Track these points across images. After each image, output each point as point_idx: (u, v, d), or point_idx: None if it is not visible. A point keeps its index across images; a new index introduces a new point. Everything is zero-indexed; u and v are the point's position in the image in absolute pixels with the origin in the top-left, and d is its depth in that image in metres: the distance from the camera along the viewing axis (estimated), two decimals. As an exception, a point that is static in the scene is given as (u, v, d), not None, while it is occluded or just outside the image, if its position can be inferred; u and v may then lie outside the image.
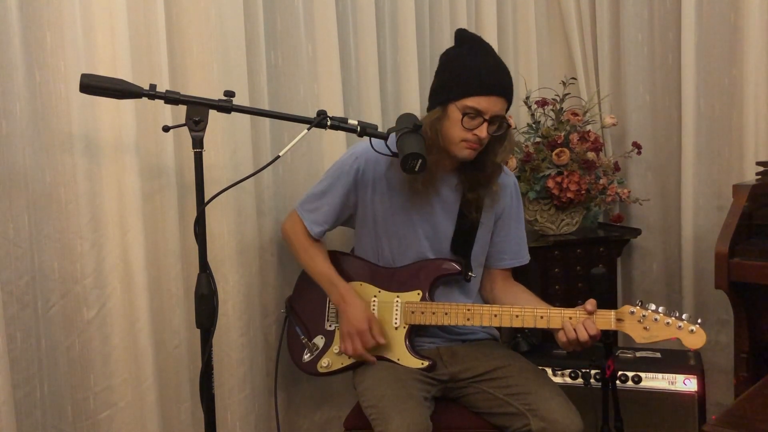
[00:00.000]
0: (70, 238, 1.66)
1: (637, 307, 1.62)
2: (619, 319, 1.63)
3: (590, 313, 1.63)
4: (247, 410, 1.96)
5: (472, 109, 1.66)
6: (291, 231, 1.92)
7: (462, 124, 1.67)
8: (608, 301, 1.67)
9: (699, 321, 1.60)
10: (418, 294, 1.80)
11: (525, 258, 1.95)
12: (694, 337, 1.58)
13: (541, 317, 1.68)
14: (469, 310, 1.74)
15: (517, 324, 1.70)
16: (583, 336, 1.61)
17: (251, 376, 1.97)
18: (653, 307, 1.62)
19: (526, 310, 1.69)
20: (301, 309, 1.96)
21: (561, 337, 1.64)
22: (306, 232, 1.88)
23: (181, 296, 1.82)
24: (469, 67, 1.68)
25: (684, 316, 1.60)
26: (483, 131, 1.67)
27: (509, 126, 1.75)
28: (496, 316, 1.72)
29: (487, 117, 1.67)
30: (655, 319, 1.60)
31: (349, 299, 1.80)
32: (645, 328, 1.61)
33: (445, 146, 1.72)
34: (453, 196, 1.83)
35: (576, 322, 1.63)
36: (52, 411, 1.65)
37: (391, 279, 1.83)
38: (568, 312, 1.66)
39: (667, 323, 1.59)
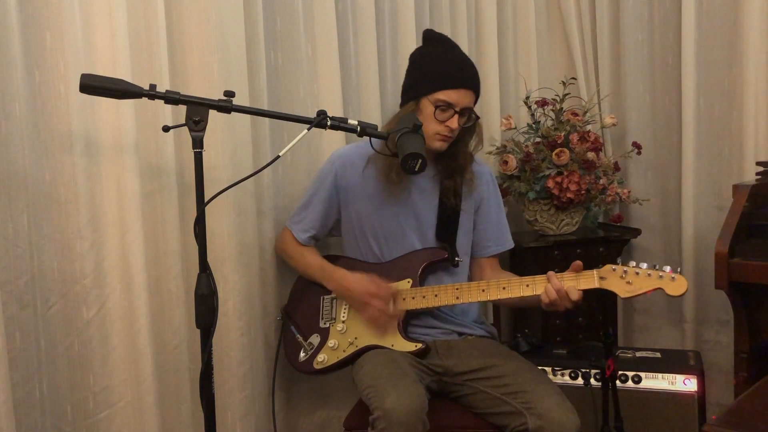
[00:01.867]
0: (70, 238, 1.66)
1: (619, 265, 1.66)
2: (602, 278, 1.66)
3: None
4: (247, 410, 1.96)
5: (444, 102, 1.77)
6: (282, 243, 2.01)
7: (435, 116, 1.77)
8: (609, 301, 1.68)
9: (679, 269, 1.62)
10: (409, 282, 1.84)
11: (509, 243, 2.02)
12: (675, 285, 1.60)
13: (527, 285, 1.72)
14: (457, 289, 1.79)
15: (504, 295, 1.74)
16: (562, 294, 1.63)
17: (251, 376, 1.97)
18: (633, 263, 1.65)
19: (513, 281, 1.74)
20: (297, 313, 1.98)
21: (543, 299, 1.68)
22: (295, 241, 1.95)
23: (181, 296, 1.82)
24: (439, 64, 1.80)
25: (665, 268, 1.62)
26: (454, 122, 1.78)
27: (478, 117, 1.86)
28: (483, 290, 1.77)
29: (457, 109, 1.78)
30: (637, 273, 1.64)
31: (344, 276, 1.85)
32: (628, 283, 1.64)
33: None
34: (431, 186, 1.90)
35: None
36: (52, 410, 1.65)
37: (383, 273, 1.85)
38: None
39: (649, 275, 1.63)
